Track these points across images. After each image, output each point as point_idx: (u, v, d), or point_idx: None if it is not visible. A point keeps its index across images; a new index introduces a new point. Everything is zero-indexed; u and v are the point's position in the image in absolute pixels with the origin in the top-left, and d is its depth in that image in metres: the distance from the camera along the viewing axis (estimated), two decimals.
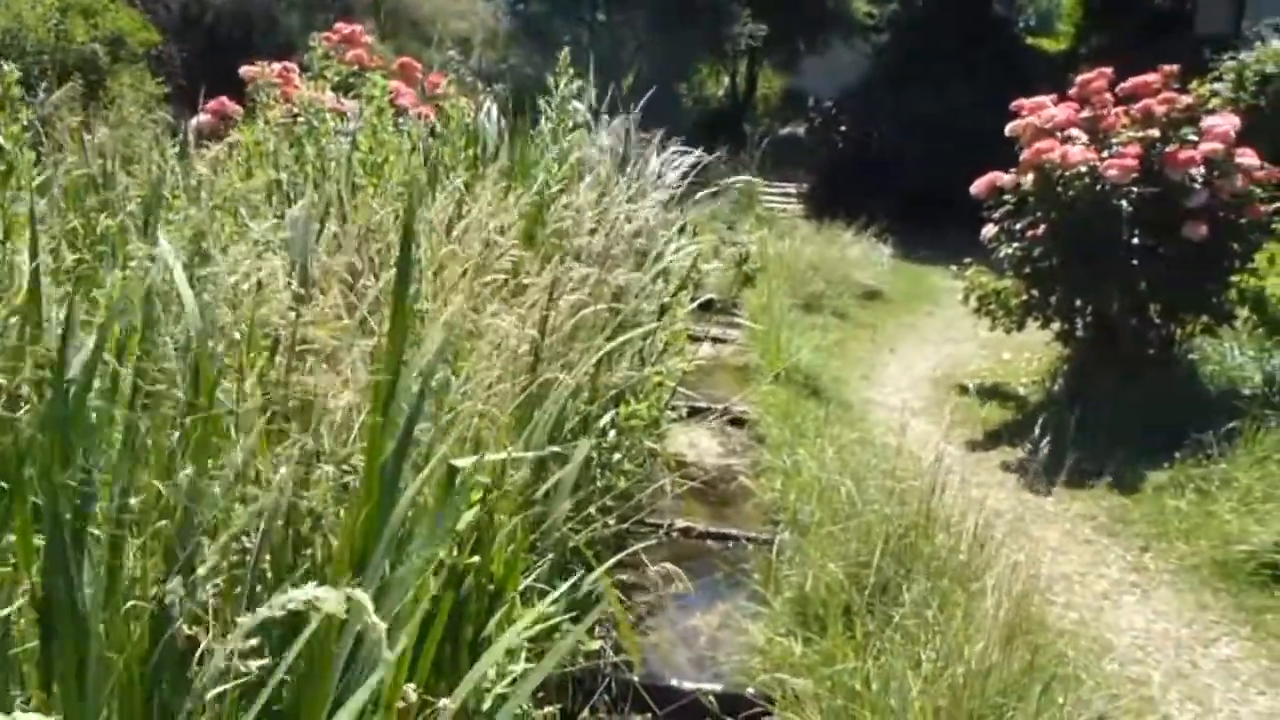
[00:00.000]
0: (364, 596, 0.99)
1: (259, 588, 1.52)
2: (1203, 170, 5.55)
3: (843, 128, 15.49)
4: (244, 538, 1.54)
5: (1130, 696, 3.20)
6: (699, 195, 5.67)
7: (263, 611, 1.03)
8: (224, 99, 5.79)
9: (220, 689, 1.22)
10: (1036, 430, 5.43)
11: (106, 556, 1.48)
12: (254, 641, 1.06)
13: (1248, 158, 5.60)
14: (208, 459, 1.69)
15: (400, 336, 1.73)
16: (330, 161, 4.26)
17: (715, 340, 6.56)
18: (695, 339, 6.03)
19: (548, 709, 2.26)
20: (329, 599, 0.98)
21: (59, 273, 2.66)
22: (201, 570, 1.46)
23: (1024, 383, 6.78)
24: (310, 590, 1.00)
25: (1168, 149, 5.62)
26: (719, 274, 6.94)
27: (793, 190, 15.78)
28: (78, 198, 3.60)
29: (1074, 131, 5.95)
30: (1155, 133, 5.68)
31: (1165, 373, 5.86)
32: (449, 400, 2.13)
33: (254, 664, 1.05)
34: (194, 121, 5.61)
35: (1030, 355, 7.16)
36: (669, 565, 2.55)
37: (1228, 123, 5.66)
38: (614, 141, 5.81)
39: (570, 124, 5.38)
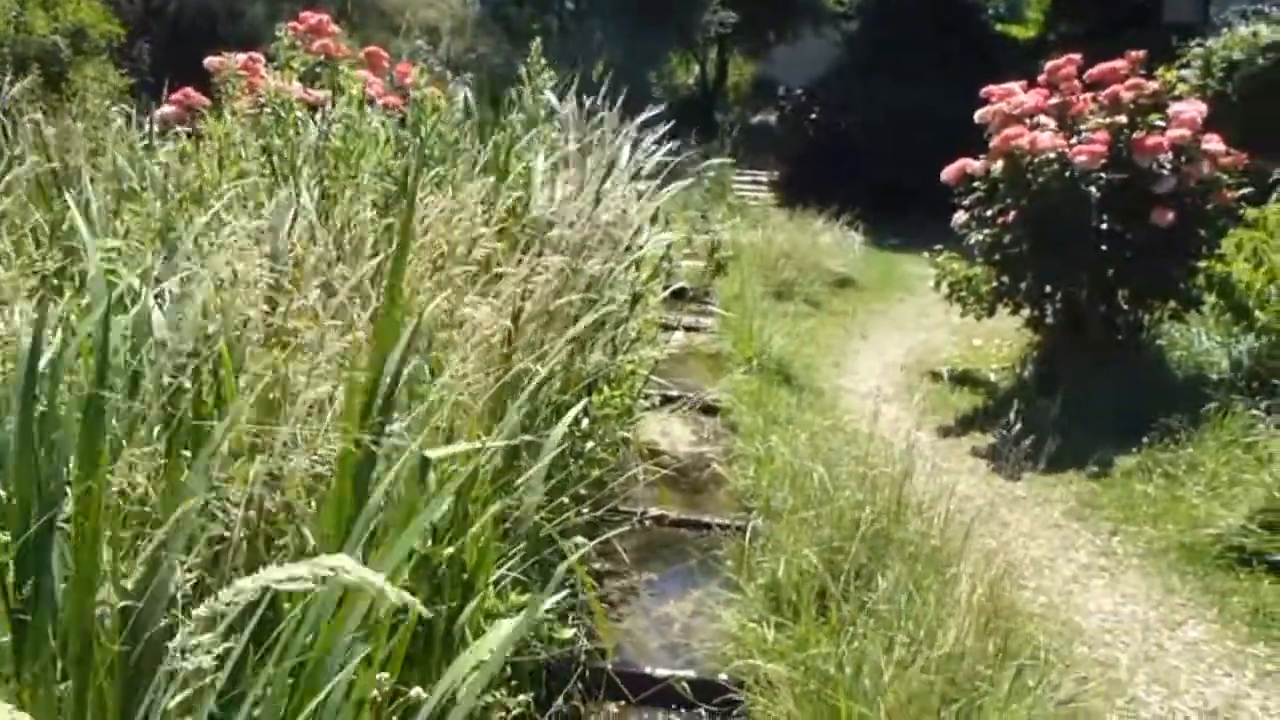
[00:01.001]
0: (350, 561, 0.97)
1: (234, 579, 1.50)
2: (1170, 156, 5.60)
3: (814, 116, 15.52)
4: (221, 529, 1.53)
5: (1098, 679, 3.23)
6: (671, 185, 5.65)
7: (246, 584, 1.01)
8: (189, 90, 5.71)
9: (200, 683, 1.20)
10: (1007, 416, 5.48)
11: (79, 550, 1.46)
12: (211, 637, 1.04)
13: (1214, 144, 5.65)
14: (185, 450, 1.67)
15: (391, 331, 1.72)
16: (299, 154, 4.22)
17: (688, 329, 6.57)
18: (668, 328, 6.03)
19: (521, 697, 2.25)
20: (307, 571, 0.96)
21: (24, 267, 2.62)
22: (176, 564, 1.44)
23: (994, 369, 6.82)
24: (292, 567, 0.98)
25: (1136, 135, 5.66)
26: (691, 263, 6.94)
27: (764, 178, 15.81)
28: (42, 192, 3.55)
29: (1043, 118, 5.99)
30: (1123, 119, 5.72)
31: (1134, 359, 5.92)
32: (424, 390, 2.12)
33: (212, 654, 1.03)
34: (159, 113, 5.54)
35: (1001, 341, 7.22)
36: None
37: (1195, 109, 5.72)
38: (585, 131, 5.79)
39: (542, 114, 5.37)
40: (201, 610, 1.04)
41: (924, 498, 3.42)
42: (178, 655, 1.05)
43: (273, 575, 0.98)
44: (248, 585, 0.99)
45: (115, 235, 2.99)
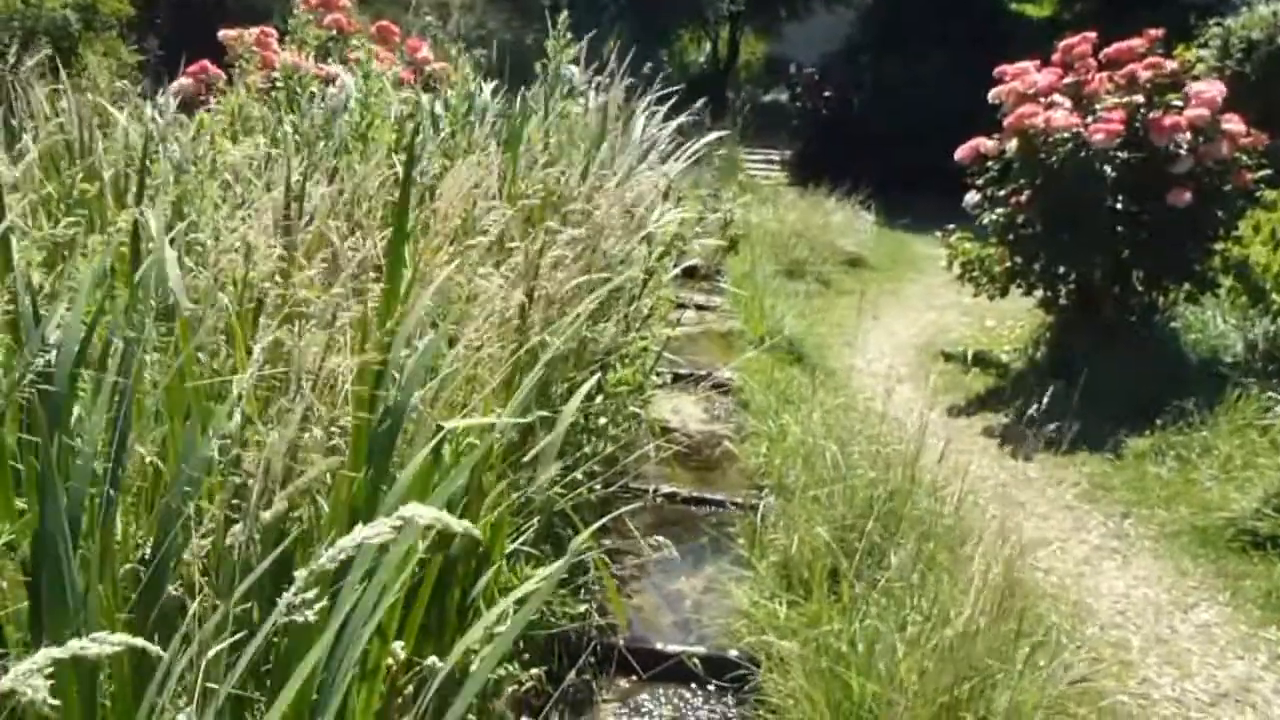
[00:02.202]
0: (423, 507, 1.00)
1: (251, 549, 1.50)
2: (1188, 136, 5.54)
3: (826, 94, 15.42)
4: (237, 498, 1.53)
5: (1110, 660, 3.23)
6: (683, 162, 5.63)
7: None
8: (206, 63, 5.69)
9: (219, 647, 1.20)
10: (1019, 397, 5.47)
11: (96, 519, 1.46)
12: (312, 593, 1.07)
13: (1234, 124, 5.60)
14: (200, 421, 1.67)
15: (393, 299, 1.71)
16: (315, 127, 4.21)
17: (699, 307, 6.56)
18: (680, 306, 6.02)
19: (534, 670, 2.26)
20: (388, 524, 0.99)
21: (38, 238, 2.62)
22: (197, 533, 1.44)
23: (1007, 350, 6.79)
24: (376, 523, 1.01)
25: (1152, 115, 5.61)
26: (702, 241, 6.91)
27: (776, 157, 15.73)
28: (54, 164, 3.54)
29: (1058, 97, 5.93)
30: (1140, 98, 5.66)
31: (1147, 340, 5.88)
32: (438, 364, 2.11)
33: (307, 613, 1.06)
34: (175, 85, 5.52)
35: (1013, 322, 7.18)
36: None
37: (1215, 89, 5.65)
38: (600, 107, 5.76)
39: (562, 90, 5.34)
40: (303, 572, 1.07)
41: (937, 477, 3.41)
42: (284, 611, 1.08)
43: (365, 532, 1.02)
44: (347, 543, 1.04)
45: (128, 207, 2.98)
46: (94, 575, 1.40)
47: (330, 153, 3.91)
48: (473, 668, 1.81)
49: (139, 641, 0.95)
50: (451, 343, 2.25)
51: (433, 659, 1.39)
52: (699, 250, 6.25)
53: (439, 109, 4.91)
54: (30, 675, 0.86)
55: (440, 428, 1.74)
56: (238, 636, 1.23)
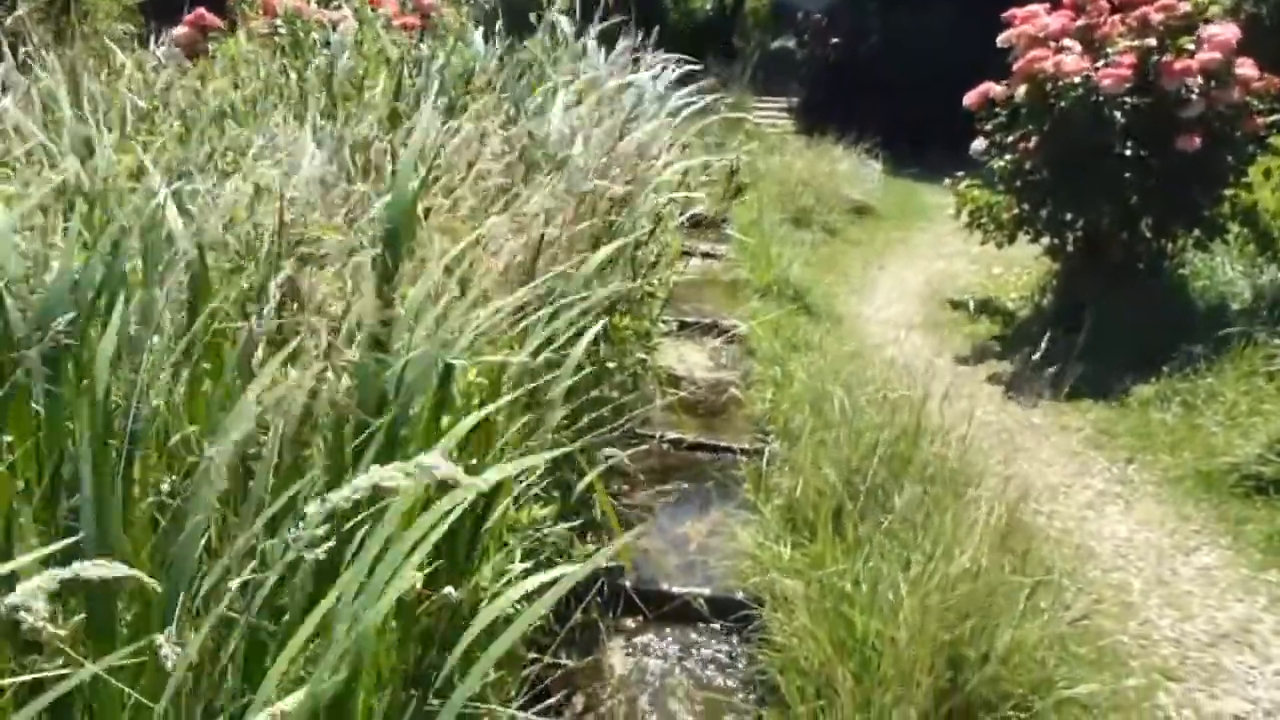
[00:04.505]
0: (438, 458, 1.02)
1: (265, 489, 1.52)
2: (1199, 81, 5.48)
3: (834, 41, 15.22)
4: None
5: (1111, 601, 3.26)
6: (688, 110, 5.58)
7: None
8: (203, 10, 5.66)
9: (238, 580, 1.23)
10: (1025, 344, 5.47)
11: (117, 462, 1.47)
12: (323, 529, 1.10)
13: (1247, 68, 5.53)
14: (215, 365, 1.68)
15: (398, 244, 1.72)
16: (317, 74, 4.19)
17: (705, 255, 6.54)
18: (685, 254, 6.00)
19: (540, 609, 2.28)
20: (401, 470, 1.02)
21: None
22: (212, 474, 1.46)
23: (1013, 298, 6.78)
24: (391, 466, 1.03)
25: (1164, 59, 5.54)
26: (708, 190, 6.88)
27: (783, 105, 15.58)
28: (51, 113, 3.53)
29: (1068, 41, 5.85)
30: (1152, 42, 5.59)
31: (1154, 287, 5.87)
32: (449, 309, 2.12)
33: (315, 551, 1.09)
34: (173, 33, 5.49)
35: (1020, 270, 7.16)
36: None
37: (1230, 31, 5.57)
38: (604, 57, 5.72)
39: (560, 37, 5.30)
40: (314, 507, 1.10)
41: (942, 422, 3.42)
42: (286, 547, 1.10)
43: (381, 473, 1.05)
44: (362, 483, 1.07)
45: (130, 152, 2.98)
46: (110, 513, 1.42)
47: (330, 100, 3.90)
48: (483, 604, 1.84)
49: (135, 573, 0.98)
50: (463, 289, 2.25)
51: (449, 589, 1.41)
52: (705, 199, 6.23)
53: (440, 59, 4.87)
54: (33, 594, 0.88)
55: (450, 367, 1.76)
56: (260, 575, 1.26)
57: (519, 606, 2.18)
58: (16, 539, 1.37)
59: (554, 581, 1.16)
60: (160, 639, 1.06)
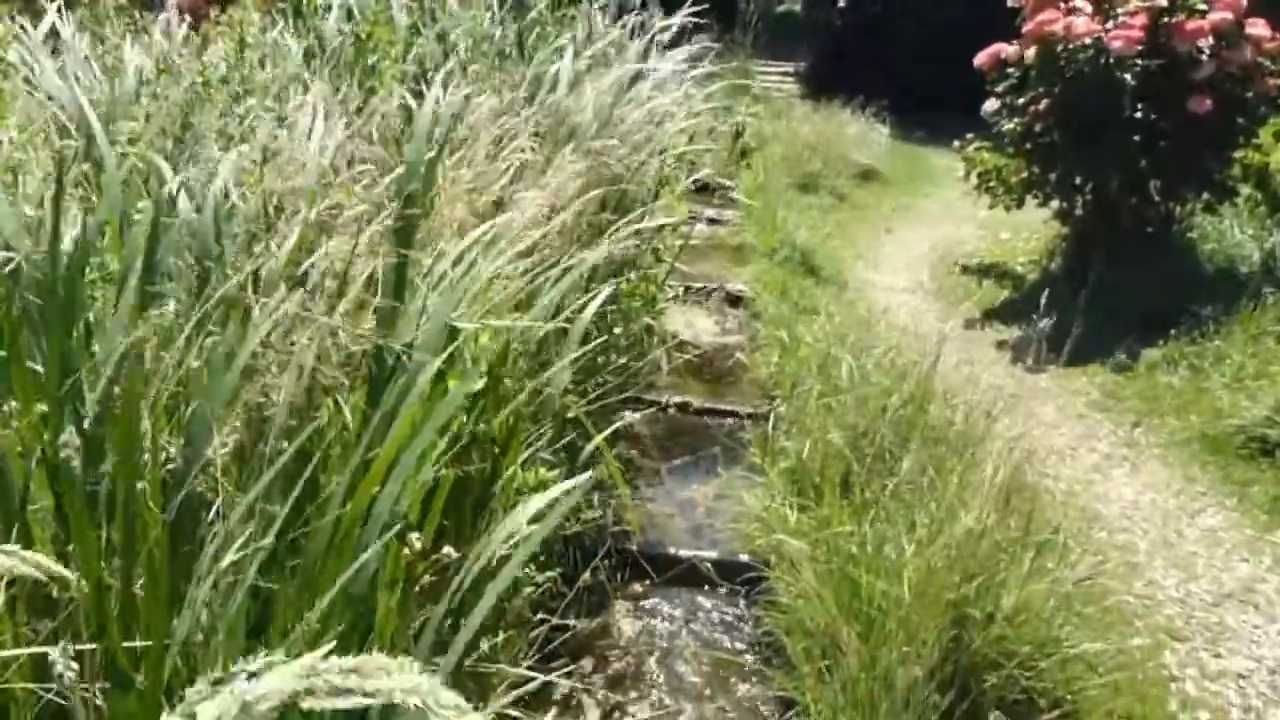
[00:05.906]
0: None
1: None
2: (1211, 42, 5.42)
3: (840, 3, 15.08)
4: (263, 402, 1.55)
5: (1116, 562, 3.28)
6: (694, 74, 5.54)
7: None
8: None
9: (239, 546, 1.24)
10: (1033, 309, 5.45)
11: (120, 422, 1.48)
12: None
13: (1258, 28, 5.47)
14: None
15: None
16: (325, 42, 4.17)
17: (711, 221, 6.52)
18: (691, 219, 5.98)
19: (549, 572, 2.31)
20: None
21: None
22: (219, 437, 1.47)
23: (1021, 262, 6.75)
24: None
25: (1175, 19, 5.48)
26: (714, 155, 6.85)
27: (789, 69, 15.45)
28: None
29: (1079, 2, 5.79)
30: (1163, 2, 5.53)
31: (1164, 251, 5.84)
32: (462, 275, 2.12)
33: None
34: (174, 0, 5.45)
35: (1029, 234, 7.13)
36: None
37: None
38: (612, 22, 5.69)
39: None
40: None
41: (949, 386, 3.42)
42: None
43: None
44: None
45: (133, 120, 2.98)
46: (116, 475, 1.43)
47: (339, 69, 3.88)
48: (490, 566, 1.86)
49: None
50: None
51: (448, 549, 1.43)
52: (711, 163, 6.20)
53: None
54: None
55: (456, 330, 1.76)
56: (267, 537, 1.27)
57: (527, 569, 2.20)
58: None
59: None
60: (53, 653, 1.04)
